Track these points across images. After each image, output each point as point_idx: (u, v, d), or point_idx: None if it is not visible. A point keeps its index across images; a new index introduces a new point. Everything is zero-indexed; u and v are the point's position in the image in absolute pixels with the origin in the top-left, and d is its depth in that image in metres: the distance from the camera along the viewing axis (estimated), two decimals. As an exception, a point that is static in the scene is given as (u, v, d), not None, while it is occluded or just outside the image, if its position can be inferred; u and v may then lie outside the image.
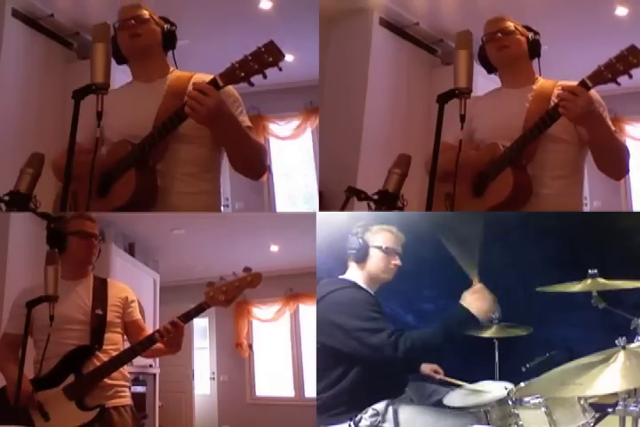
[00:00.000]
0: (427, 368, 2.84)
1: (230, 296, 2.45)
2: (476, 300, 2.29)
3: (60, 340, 2.47)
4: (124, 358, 2.47)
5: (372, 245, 2.51)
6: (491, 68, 2.61)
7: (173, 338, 2.45)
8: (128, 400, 2.56)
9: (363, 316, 2.35)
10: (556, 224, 3.24)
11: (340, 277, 2.56)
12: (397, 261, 2.54)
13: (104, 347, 2.51)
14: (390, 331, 2.27)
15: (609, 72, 2.13)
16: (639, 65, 2.10)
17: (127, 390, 2.58)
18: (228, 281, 2.46)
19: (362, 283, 2.51)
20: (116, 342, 2.56)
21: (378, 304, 2.44)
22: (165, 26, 2.41)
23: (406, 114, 4.79)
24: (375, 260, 2.51)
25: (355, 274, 2.53)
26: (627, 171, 2.52)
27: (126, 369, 2.59)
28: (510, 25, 2.49)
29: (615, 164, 2.47)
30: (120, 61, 2.43)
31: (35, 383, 2.43)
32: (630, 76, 2.13)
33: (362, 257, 2.51)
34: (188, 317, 2.46)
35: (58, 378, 2.44)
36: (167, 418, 6.68)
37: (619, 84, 2.14)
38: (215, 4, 4.22)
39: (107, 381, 2.46)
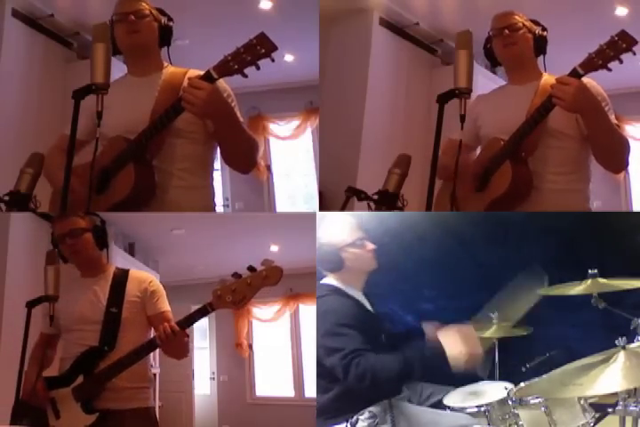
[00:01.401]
0: None
1: (239, 297, 2.20)
2: (455, 340, 2.01)
3: (75, 340, 2.45)
4: (126, 361, 2.36)
5: (338, 247, 2.36)
6: (495, 62, 2.61)
7: (174, 345, 2.32)
8: (145, 403, 2.45)
9: (327, 331, 2.21)
10: (555, 224, 3.24)
11: (321, 282, 2.41)
12: (370, 246, 2.38)
13: (120, 347, 2.39)
14: (346, 352, 2.11)
15: (600, 58, 2.14)
16: (629, 50, 2.11)
17: (147, 391, 2.47)
18: (239, 279, 2.20)
19: (344, 285, 2.37)
20: (135, 340, 2.40)
21: (353, 315, 2.26)
22: (163, 19, 2.39)
23: (406, 114, 4.79)
24: (350, 259, 2.37)
25: (334, 278, 2.39)
26: (625, 165, 2.50)
27: (148, 370, 2.50)
28: (518, 21, 2.48)
29: (613, 156, 2.45)
30: (114, 52, 2.39)
31: (51, 381, 2.43)
32: (621, 62, 2.13)
33: (339, 266, 2.37)
34: (189, 321, 2.30)
35: (70, 378, 2.41)
36: (167, 418, 6.69)
37: (610, 69, 2.14)
38: (215, 4, 4.22)
39: (122, 383, 2.37)
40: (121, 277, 2.52)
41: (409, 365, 2.08)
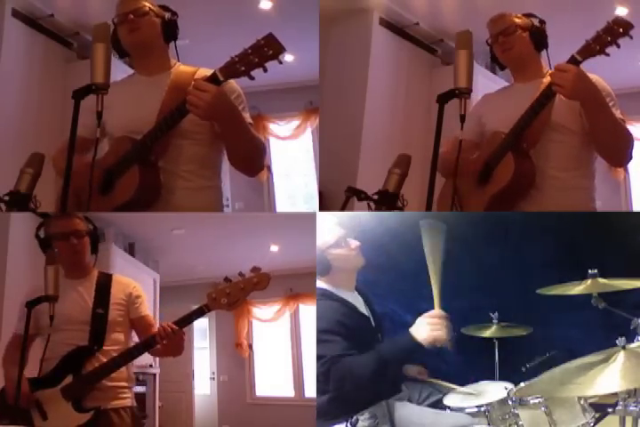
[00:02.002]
0: (411, 370, 2.68)
1: (234, 299, 2.32)
2: (429, 329, 2.07)
3: (61, 340, 2.45)
4: (121, 360, 2.41)
5: (322, 249, 2.39)
6: (503, 66, 2.63)
7: (172, 343, 2.36)
8: (129, 402, 2.50)
9: (316, 339, 2.24)
10: (555, 224, 3.24)
11: (318, 285, 2.42)
12: (354, 244, 2.42)
13: (106, 347, 2.45)
14: (326, 359, 2.15)
15: (597, 44, 2.15)
16: (626, 34, 2.12)
17: (129, 391, 2.52)
18: (232, 283, 2.33)
19: (334, 288, 2.40)
20: (119, 341, 2.50)
21: (338, 320, 2.27)
22: (166, 15, 2.37)
23: (406, 114, 4.79)
24: (337, 260, 2.39)
25: (324, 281, 2.42)
26: (629, 159, 2.47)
27: (131, 369, 2.54)
28: (512, 24, 2.48)
29: (616, 149, 2.43)
30: (122, 55, 2.41)
31: (34, 383, 2.42)
32: (618, 46, 2.14)
33: (327, 268, 2.39)
34: (186, 321, 2.37)
35: (57, 378, 2.42)
36: (167, 418, 6.68)
37: (608, 54, 2.15)
38: (215, 4, 4.23)
39: (106, 382, 2.42)
40: (105, 280, 2.59)
41: (383, 360, 2.11)
